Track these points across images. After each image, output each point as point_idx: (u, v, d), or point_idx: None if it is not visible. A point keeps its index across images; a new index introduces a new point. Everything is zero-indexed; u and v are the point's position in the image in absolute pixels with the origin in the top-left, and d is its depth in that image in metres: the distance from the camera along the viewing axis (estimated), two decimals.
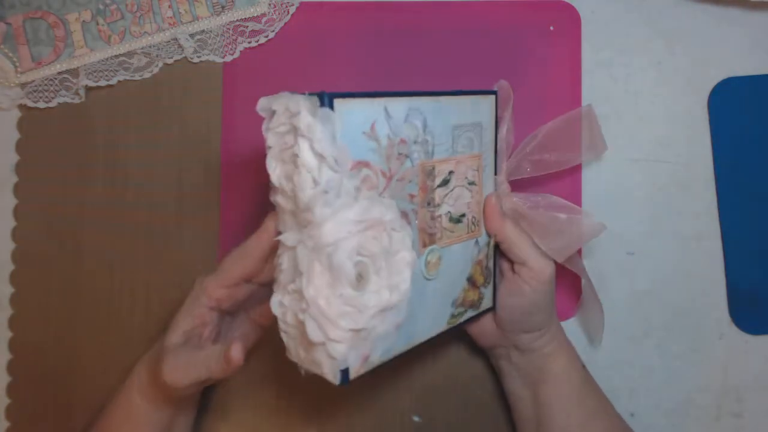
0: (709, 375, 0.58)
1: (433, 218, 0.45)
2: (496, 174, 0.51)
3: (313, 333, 0.37)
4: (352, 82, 0.58)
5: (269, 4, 0.57)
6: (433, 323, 0.46)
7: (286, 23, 0.58)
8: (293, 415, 0.57)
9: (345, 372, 0.38)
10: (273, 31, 0.58)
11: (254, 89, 0.58)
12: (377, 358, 0.40)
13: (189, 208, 0.58)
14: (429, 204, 0.44)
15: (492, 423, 0.57)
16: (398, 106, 0.41)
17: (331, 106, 0.37)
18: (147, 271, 0.58)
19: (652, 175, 0.58)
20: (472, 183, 0.48)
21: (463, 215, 0.47)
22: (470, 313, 0.50)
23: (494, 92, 0.50)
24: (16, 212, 0.58)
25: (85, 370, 0.57)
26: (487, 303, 0.51)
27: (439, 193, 0.45)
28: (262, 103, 0.39)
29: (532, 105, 0.57)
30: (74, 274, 0.58)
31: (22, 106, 0.58)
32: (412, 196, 0.43)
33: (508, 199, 0.52)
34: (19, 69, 0.57)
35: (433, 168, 0.44)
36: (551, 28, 0.58)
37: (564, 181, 0.57)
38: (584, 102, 0.58)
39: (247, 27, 0.57)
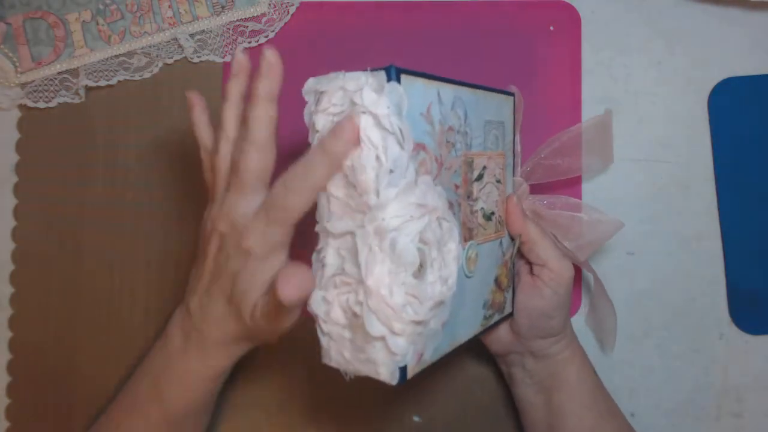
0: (709, 375, 0.58)
1: (472, 212, 0.43)
2: (514, 175, 0.51)
3: (374, 326, 0.34)
4: None
5: (269, 4, 0.57)
6: (470, 325, 0.44)
7: (286, 23, 0.58)
8: (293, 415, 0.57)
9: (403, 370, 0.35)
10: (273, 31, 0.58)
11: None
12: (429, 357, 0.38)
13: (189, 208, 0.58)
14: (468, 197, 0.43)
15: (492, 424, 0.57)
16: (448, 92, 0.40)
17: (399, 81, 0.34)
18: (147, 271, 0.58)
19: (652, 175, 0.58)
20: (498, 181, 0.47)
21: (493, 213, 0.46)
22: (497, 317, 0.48)
23: (512, 94, 0.50)
24: (16, 212, 0.58)
25: (85, 370, 0.57)
26: (508, 308, 0.50)
27: (476, 187, 0.44)
28: (309, 85, 0.37)
29: (532, 105, 0.57)
30: (74, 274, 0.58)
31: (22, 106, 0.58)
32: (456, 187, 0.41)
33: (528, 200, 0.52)
34: (19, 69, 0.57)
35: (472, 161, 0.43)
36: (551, 28, 0.58)
37: (564, 181, 0.57)
38: (584, 102, 0.58)
39: (247, 27, 0.57)
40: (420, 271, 0.35)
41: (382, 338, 0.34)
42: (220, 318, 0.43)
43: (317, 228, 0.37)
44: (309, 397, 0.57)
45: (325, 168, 0.36)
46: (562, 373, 0.51)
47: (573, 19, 0.58)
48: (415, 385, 0.57)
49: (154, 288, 0.58)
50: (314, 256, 0.38)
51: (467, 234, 0.42)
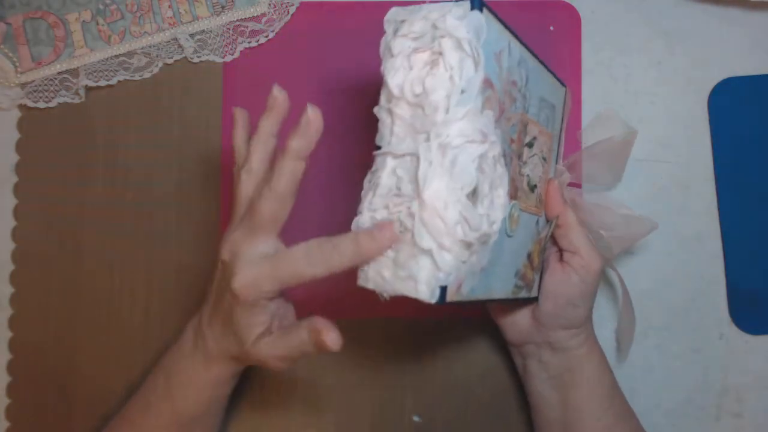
0: (709, 375, 0.58)
1: (520, 174, 0.44)
2: (557, 163, 0.51)
3: (424, 238, 0.34)
4: (352, 82, 0.58)
5: (269, 4, 0.57)
6: (503, 285, 0.44)
7: (286, 23, 0.58)
8: (293, 415, 0.57)
9: (443, 290, 0.35)
10: (273, 31, 0.58)
11: (254, 89, 0.58)
12: (465, 292, 0.38)
13: (189, 208, 0.58)
14: (519, 157, 0.43)
15: (492, 423, 0.57)
16: (516, 48, 0.41)
17: (481, 10, 0.36)
18: (147, 271, 0.58)
19: (652, 175, 0.58)
20: (545, 159, 0.48)
21: (536, 186, 0.47)
22: (524, 293, 0.48)
23: (564, 85, 0.50)
24: (16, 212, 0.58)
25: (85, 370, 0.57)
26: (534, 291, 0.50)
27: (526, 152, 0.44)
28: (391, 14, 0.38)
29: None
30: (74, 274, 0.58)
31: (22, 106, 0.58)
32: (512, 141, 0.42)
33: (567, 190, 0.52)
34: (19, 69, 0.57)
35: (527, 123, 0.43)
36: (551, 28, 0.58)
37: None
38: (584, 102, 0.58)
39: (247, 27, 0.57)
40: (474, 195, 0.36)
41: (430, 252, 0.35)
42: (220, 336, 0.45)
43: (375, 152, 0.38)
44: (309, 397, 0.57)
45: (351, 260, 0.37)
46: (580, 369, 0.50)
47: (573, 19, 0.58)
48: (415, 386, 0.57)
49: (154, 288, 0.58)
50: (367, 178, 0.38)
51: (513, 192, 0.42)
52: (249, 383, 0.57)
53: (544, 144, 0.47)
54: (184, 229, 0.58)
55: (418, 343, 0.58)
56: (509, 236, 0.43)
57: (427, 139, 0.35)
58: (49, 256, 0.58)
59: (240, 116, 0.46)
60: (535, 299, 0.50)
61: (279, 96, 0.42)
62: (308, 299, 0.57)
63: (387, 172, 0.37)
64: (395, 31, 0.38)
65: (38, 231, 0.58)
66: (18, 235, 0.58)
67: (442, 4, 0.37)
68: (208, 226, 0.57)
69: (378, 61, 0.39)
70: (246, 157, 0.44)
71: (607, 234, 0.51)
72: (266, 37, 0.58)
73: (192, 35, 0.57)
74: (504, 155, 0.39)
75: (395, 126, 0.37)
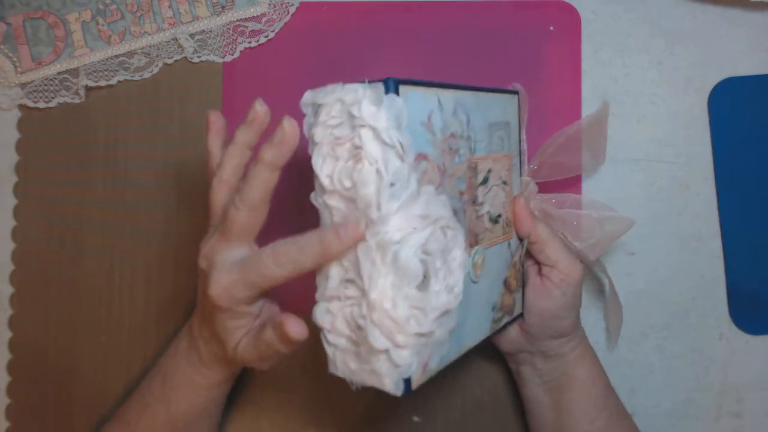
0: (709, 375, 0.58)
1: (477, 217, 0.43)
2: (521, 175, 0.51)
3: (377, 340, 0.34)
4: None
5: (269, 4, 0.57)
6: (478, 329, 0.44)
7: (286, 23, 0.58)
8: (293, 415, 0.57)
9: (407, 381, 0.35)
10: (273, 31, 0.58)
11: (254, 89, 0.58)
12: (435, 366, 0.38)
13: (189, 208, 0.58)
14: (474, 202, 0.43)
15: (491, 423, 0.57)
16: (448, 97, 0.39)
17: (397, 92, 0.35)
18: (147, 271, 0.58)
19: (652, 175, 0.58)
20: (504, 183, 0.47)
21: (500, 215, 0.46)
22: (506, 319, 0.48)
23: (516, 92, 0.50)
24: (16, 212, 0.58)
25: (85, 370, 0.57)
26: (518, 309, 0.50)
27: (481, 192, 0.43)
28: (307, 98, 0.37)
29: (533, 105, 0.57)
30: (74, 274, 0.58)
31: (22, 106, 0.58)
32: (461, 194, 0.41)
33: (536, 200, 0.51)
34: (19, 69, 0.57)
35: (476, 165, 0.43)
36: (551, 28, 0.58)
37: (565, 180, 0.57)
38: (584, 102, 0.58)
39: (247, 27, 0.57)
40: (424, 282, 0.35)
41: (386, 351, 0.34)
42: (209, 341, 0.45)
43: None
44: (309, 397, 0.57)
45: (316, 259, 0.37)
46: (573, 372, 0.50)
47: (573, 19, 0.58)
48: None
49: (154, 288, 0.58)
50: (318, 269, 0.38)
51: (473, 239, 0.42)
52: (248, 383, 0.57)
53: (502, 168, 0.46)
54: (184, 229, 0.58)
55: None
56: (475, 282, 0.42)
57: (365, 239, 0.34)
58: (49, 256, 0.58)
59: (215, 121, 0.46)
60: (521, 316, 0.51)
61: (260, 110, 0.42)
62: (308, 299, 0.57)
63: (334, 265, 0.36)
64: (315, 116, 0.37)
65: (38, 231, 0.58)
66: (18, 235, 0.58)
67: (355, 86, 0.35)
68: (208, 226, 0.57)
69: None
70: (219, 165, 0.43)
71: (582, 244, 0.50)
72: (266, 37, 0.58)
73: (192, 35, 0.57)
74: (456, 213, 0.39)
75: (333, 217, 0.37)
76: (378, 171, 0.34)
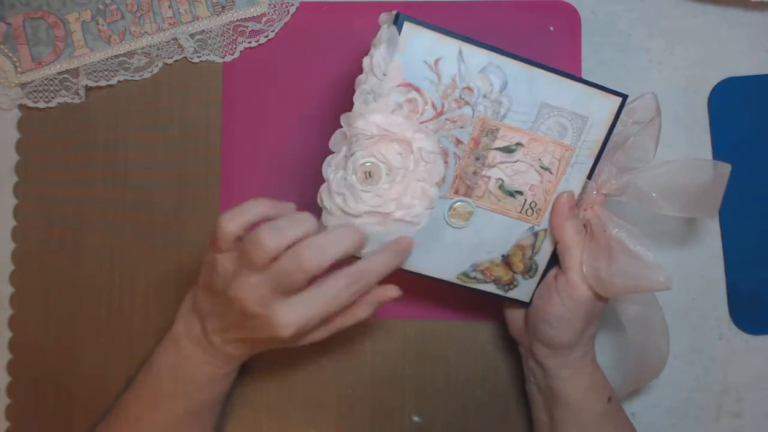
0: (709, 375, 0.58)
1: (475, 173, 0.46)
2: (590, 178, 0.49)
3: (321, 196, 0.45)
4: (352, 82, 0.58)
5: (269, 4, 0.57)
6: (440, 267, 0.48)
7: (286, 23, 0.58)
8: (293, 415, 0.57)
9: None
10: (273, 31, 0.58)
11: (254, 89, 0.58)
12: (364, 252, 0.45)
13: (189, 208, 0.58)
14: (478, 159, 0.46)
15: (492, 423, 0.57)
16: (477, 54, 0.44)
17: (400, 28, 0.42)
18: (147, 271, 0.58)
19: None
20: (545, 168, 0.47)
21: (520, 193, 0.47)
22: (489, 287, 0.49)
23: (623, 95, 0.47)
24: (16, 212, 0.58)
25: (85, 370, 0.57)
26: (520, 294, 0.50)
27: (496, 156, 0.46)
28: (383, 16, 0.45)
29: None
30: (74, 274, 0.58)
31: (22, 106, 0.58)
32: (459, 141, 0.45)
33: (593, 209, 0.48)
34: (19, 69, 0.57)
35: (497, 129, 0.45)
36: (551, 28, 0.58)
37: None
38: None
39: (247, 27, 0.57)
40: (367, 180, 0.43)
41: (326, 209, 0.45)
42: (246, 349, 0.47)
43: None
44: (309, 397, 0.57)
45: (381, 277, 0.44)
46: (561, 392, 0.49)
47: (573, 19, 0.58)
48: (415, 386, 0.57)
49: (154, 288, 0.58)
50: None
51: (462, 189, 0.46)
52: (248, 383, 0.57)
53: (545, 152, 0.47)
54: (184, 229, 0.58)
55: (418, 343, 0.58)
56: (454, 227, 0.47)
57: (348, 123, 0.44)
58: (49, 256, 0.58)
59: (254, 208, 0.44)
60: (527, 304, 0.51)
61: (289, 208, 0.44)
62: None
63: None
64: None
65: (38, 231, 0.58)
66: (18, 235, 0.58)
67: (391, 13, 0.43)
68: (208, 226, 0.57)
69: None
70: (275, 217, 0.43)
71: (605, 272, 0.46)
72: (266, 37, 0.58)
73: (192, 35, 0.57)
74: (445, 154, 0.45)
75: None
76: (361, 80, 0.43)
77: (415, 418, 0.57)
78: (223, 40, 0.57)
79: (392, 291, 0.46)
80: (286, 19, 0.58)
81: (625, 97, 0.47)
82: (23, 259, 0.58)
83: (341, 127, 0.44)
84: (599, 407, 0.50)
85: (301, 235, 0.41)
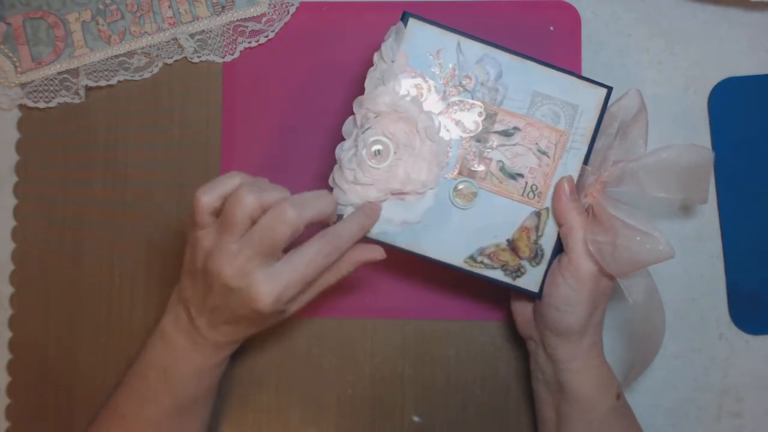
0: (709, 375, 0.58)
1: (477, 155, 0.49)
2: (586, 163, 0.50)
3: (333, 175, 0.48)
4: (351, 82, 0.58)
5: (269, 4, 0.57)
6: (447, 250, 0.50)
7: (286, 23, 0.58)
8: (293, 415, 0.57)
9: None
10: (273, 31, 0.58)
11: (254, 89, 0.58)
12: (375, 231, 0.48)
13: (189, 207, 0.58)
14: (479, 141, 0.49)
15: (492, 423, 0.57)
16: (473, 47, 0.49)
17: (405, 23, 0.48)
18: (147, 271, 0.58)
19: None
20: (543, 152, 0.50)
21: (521, 175, 0.50)
22: (497, 274, 0.50)
23: (608, 87, 0.50)
24: (16, 212, 0.58)
25: (85, 370, 0.57)
26: (528, 283, 0.50)
27: (495, 139, 0.49)
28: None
29: None
30: (74, 274, 0.58)
31: (22, 106, 0.58)
32: (460, 124, 0.49)
33: (593, 195, 0.49)
34: (19, 69, 0.57)
35: (495, 114, 0.49)
36: (551, 28, 0.58)
37: None
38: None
39: (247, 27, 0.57)
40: (377, 156, 0.47)
41: (334, 182, 0.48)
42: (233, 332, 0.46)
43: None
44: (309, 397, 0.57)
45: (355, 240, 0.46)
46: (571, 386, 0.49)
47: (573, 19, 0.58)
48: (415, 386, 0.57)
49: (154, 288, 0.58)
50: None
51: (465, 170, 0.49)
52: (249, 383, 0.57)
53: (542, 137, 0.49)
54: (184, 229, 0.57)
55: (418, 343, 0.58)
56: (459, 208, 0.49)
57: (360, 105, 0.47)
58: (49, 256, 0.58)
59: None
60: (537, 295, 0.50)
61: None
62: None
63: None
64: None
65: (38, 231, 0.58)
66: (18, 235, 0.58)
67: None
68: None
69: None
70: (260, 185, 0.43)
71: (609, 257, 0.47)
72: (266, 37, 0.58)
73: (192, 35, 0.57)
74: (440, 135, 0.48)
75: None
76: (372, 69, 0.48)
77: (415, 418, 0.57)
78: (223, 40, 0.57)
79: (375, 252, 0.47)
80: (286, 19, 0.58)
81: (609, 88, 0.50)
82: (23, 259, 0.58)
83: (353, 114, 0.48)
84: (608, 404, 0.50)
85: (279, 198, 0.42)
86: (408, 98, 0.47)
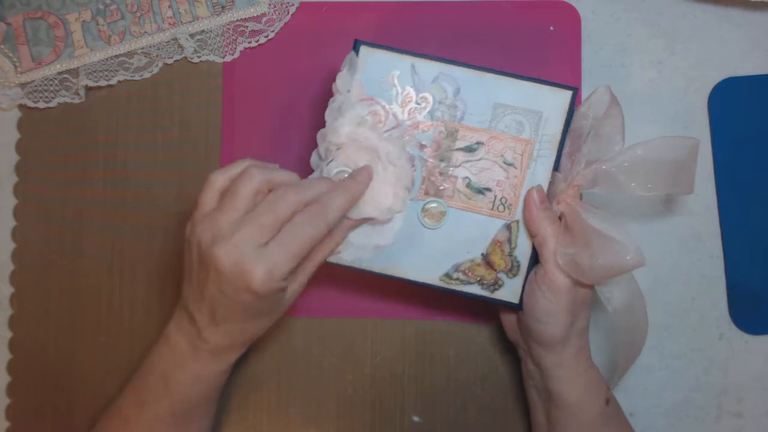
0: (709, 375, 0.58)
1: (442, 174, 0.49)
2: (556, 170, 0.50)
3: None
4: None
5: (269, 4, 0.57)
6: (422, 270, 0.50)
7: (286, 23, 0.58)
8: (293, 415, 0.57)
9: None
10: (273, 31, 0.58)
11: (254, 89, 0.58)
12: (347, 257, 0.49)
13: (189, 208, 0.58)
14: (443, 160, 0.49)
15: (492, 423, 0.57)
16: (428, 67, 0.48)
17: (357, 52, 0.48)
18: (147, 271, 0.58)
19: None
20: (509, 164, 0.49)
21: (489, 190, 0.49)
22: (474, 289, 0.50)
23: (573, 89, 0.49)
24: (16, 212, 0.58)
25: (85, 370, 0.57)
26: (507, 295, 0.50)
27: (459, 156, 0.49)
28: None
29: None
30: (74, 274, 0.58)
31: (22, 106, 0.58)
32: (422, 146, 0.49)
33: (566, 201, 0.48)
34: (19, 69, 0.57)
35: (456, 131, 0.49)
36: (551, 28, 0.58)
37: None
38: (584, 102, 0.58)
39: (247, 27, 0.57)
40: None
41: None
42: (234, 331, 0.46)
43: None
44: (309, 397, 0.57)
45: (345, 208, 0.46)
46: (558, 393, 0.49)
47: (573, 19, 0.58)
48: (415, 385, 0.57)
49: (154, 288, 0.58)
50: None
51: (432, 190, 0.49)
52: (249, 383, 0.57)
53: (506, 148, 0.49)
54: (184, 229, 0.58)
55: (418, 343, 0.58)
56: (430, 228, 0.49)
57: (323, 138, 0.48)
58: (49, 256, 0.58)
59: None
60: (518, 306, 0.50)
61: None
62: (311, 298, 0.57)
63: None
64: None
65: (38, 231, 0.58)
66: (18, 235, 0.58)
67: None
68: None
69: None
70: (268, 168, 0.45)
71: (583, 265, 0.46)
72: (266, 37, 0.58)
73: (192, 35, 0.57)
74: (413, 159, 0.49)
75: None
76: (332, 99, 0.48)
77: (415, 418, 0.57)
78: (223, 40, 0.57)
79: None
80: (286, 19, 0.58)
81: (574, 90, 0.49)
82: (23, 259, 0.58)
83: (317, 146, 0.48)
84: (597, 408, 0.50)
85: (287, 179, 0.45)
86: (367, 126, 0.48)
